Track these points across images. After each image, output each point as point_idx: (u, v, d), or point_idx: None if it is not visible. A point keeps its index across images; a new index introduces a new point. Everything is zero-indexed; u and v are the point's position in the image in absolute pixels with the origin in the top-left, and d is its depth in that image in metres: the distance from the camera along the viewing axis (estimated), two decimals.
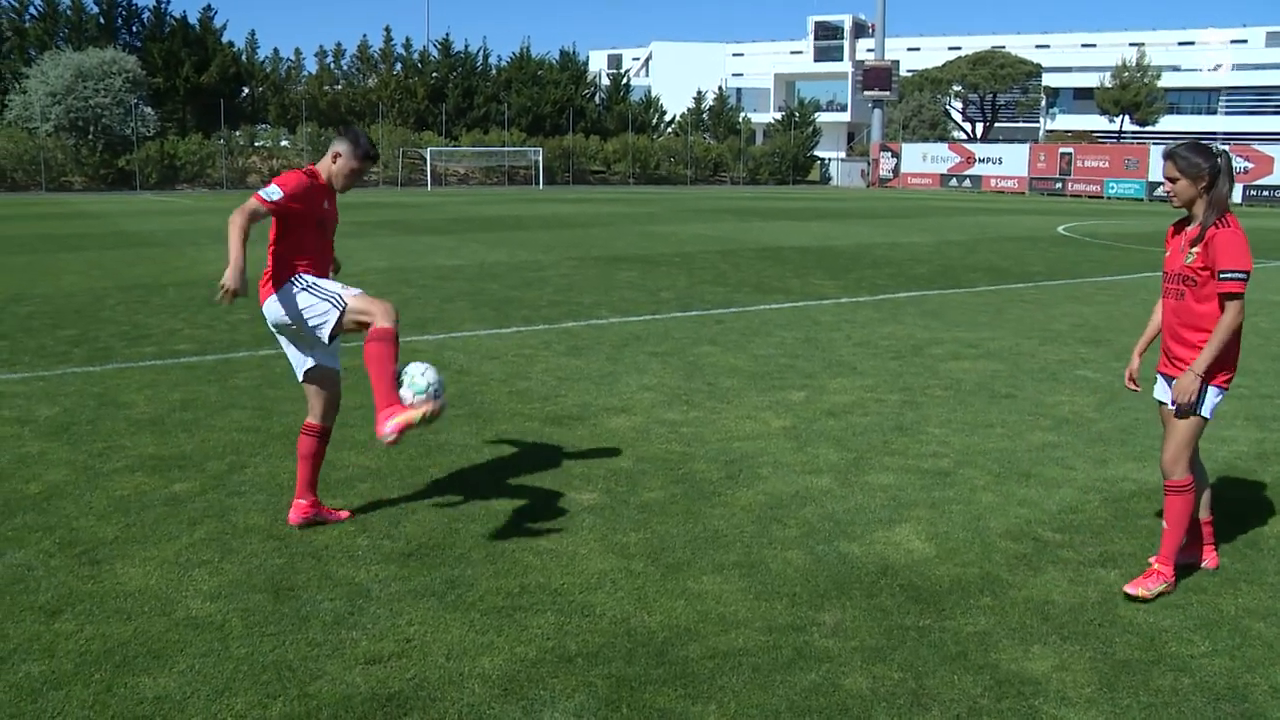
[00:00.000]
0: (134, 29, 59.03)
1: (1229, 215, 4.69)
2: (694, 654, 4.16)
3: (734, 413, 7.83)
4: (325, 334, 5.22)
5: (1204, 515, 5.15)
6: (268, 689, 3.86)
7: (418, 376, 5.02)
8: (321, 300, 5.20)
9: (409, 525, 5.48)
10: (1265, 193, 60.34)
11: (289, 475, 6.22)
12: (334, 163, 5.36)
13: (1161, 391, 5.02)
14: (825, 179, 78.54)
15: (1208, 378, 4.72)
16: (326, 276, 5.44)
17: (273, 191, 5.16)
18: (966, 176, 70.85)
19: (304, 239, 5.32)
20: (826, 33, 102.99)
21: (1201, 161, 4.71)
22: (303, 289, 5.25)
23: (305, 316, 5.22)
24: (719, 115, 77.00)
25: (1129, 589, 4.79)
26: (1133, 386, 5.26)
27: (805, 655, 4.17)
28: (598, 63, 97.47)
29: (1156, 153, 64.32)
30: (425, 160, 58.34)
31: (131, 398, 8.12)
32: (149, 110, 53.76)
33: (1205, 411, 4.78)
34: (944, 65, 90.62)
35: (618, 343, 10.46)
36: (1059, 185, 66.17)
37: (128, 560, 4.98)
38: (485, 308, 12.68)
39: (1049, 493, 6.17)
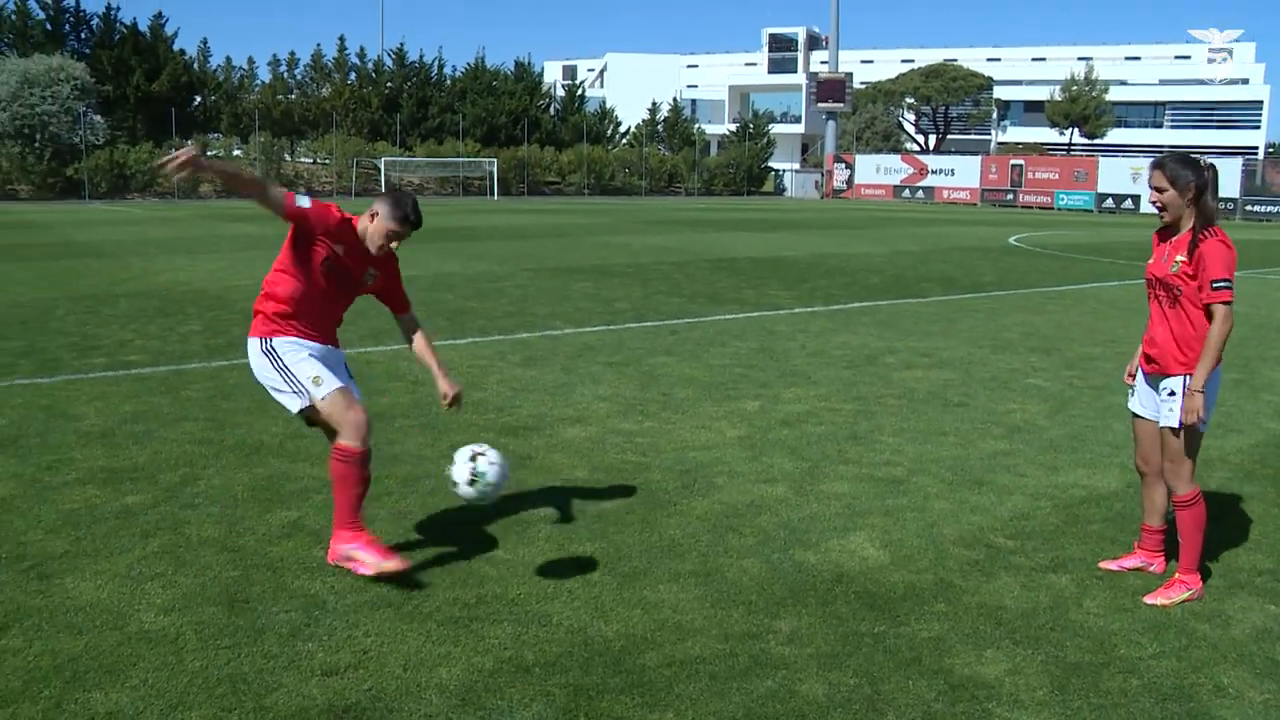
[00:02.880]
0: (82, 36, 58.29)
1: (1216, 227, 4.71)
2: (651, 662, 4.18)
3: (689, 423, 7.86)
4: (293, 411, 4.98)
5: (1159, 524, 5.21)
6: (223, 702, 3.83)
7: (481, 479, 4.73)
8: (287, 384, 4.88)
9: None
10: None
11: (243, 487, 6.19)
12: (371, 221, 4.98)
13: (1137, 404, 5.08)
14: (779, 190, 78.98)
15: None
16: (326, 341, 5.06)
17: (302, 198, 4.84)
18: (919, 188, 71.47)
19: (306, 287, 4.91)
20: (781, 45, 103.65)
21: (1189, 174, 4.73)
22: (272, 359, 4.90)
23: (270, 387, 4.96)
24: (674, 126, 77.23)
25: (1148, 599, 4.86)
26: (1130, 382, 5.21)
27: (761, 662, 4.19)
28: (553, 73, 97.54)
29: (1105, 165, 65.30)
30: (379, 170, 58.08)
31: (81, 409, 8.03)
32: (98, 118, 53.16)
33: (1203, 424, 4.82)
34: (897, 78, 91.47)
35: (573, 353, 10.46)
36: (1010, 196, 66.90)
37: (78, 574, 4.92)
38: (440, 319, 12.65)
39: (1001, 500, 6.24)
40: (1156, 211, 4.86)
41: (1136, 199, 62.60)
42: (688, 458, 6.95)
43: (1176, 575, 4.94)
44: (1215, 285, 4.64)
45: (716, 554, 5.31)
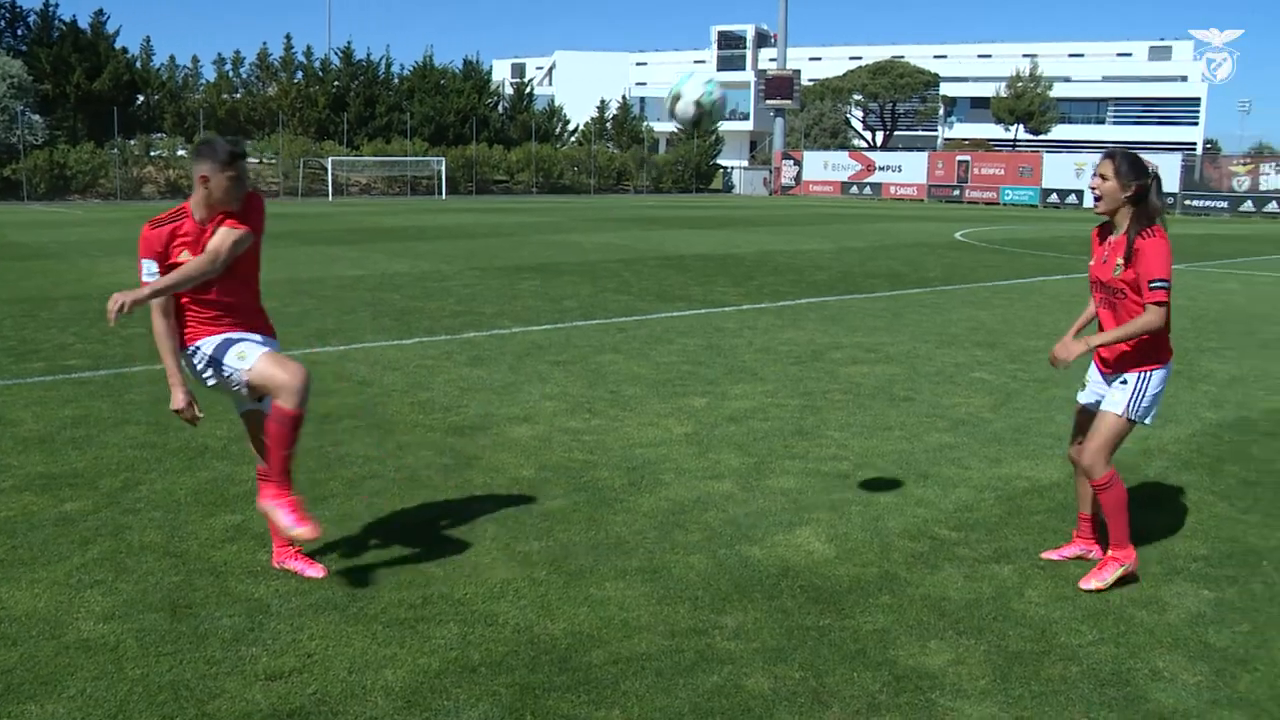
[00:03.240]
0: (19, 33, 57.19)
1: (1156, 226, 4.78)
2: (597, 660, 4.18)
3: (636, 420, 7.87)
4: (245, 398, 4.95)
5: (1090, 510, 5.30)
6: (164, 710, 3.79)
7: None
8: (222, 376, 4.80)
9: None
10: None
11: (186, 491, 6.12)
12: (204, 185, 4.67)
13: (1089, 396, 5.15)
14: (728, 187, 79.19)
15: (1144, 383, 4.89)
16: (248, 329, 4.92)
17: (148, 266, 4.72)
18: (867, 184, 71.91)
19: (197, 291, 4.77)
20: (729, 42, 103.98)
21: (1134, 173, 4.81)
22: (201, 363, 4.82)
23: (215, 387, 4.90)
24: (622, 124, 77.21)
25: (1083, 584, 4.94)
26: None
27: (707, 658, 4.21)
28: (501, 72, 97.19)
29: (1050, 160, 66.03)
30: (326, 170, 57.59)
31: (19, 415, 7.89)
32: (36, 117, 52.17)
33: (1145, 419, 4.94)
34: (845, 75, 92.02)
35: (520, 352, 10.44)
36: (957, 192, 67.47)
37: (14, 583, 4.84)
38: (387, 318, 12.58)
39: (946, 492, 6.30)
40: (1093, 199, 4.94)
41: (1080, 194, 63.37)
42: (635, 455, 6.96)
43: (1109, 554, 5.00)
44: (1153, 285, 4.72)
45: (663, 550, 5.32)
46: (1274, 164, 58.22)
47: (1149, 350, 4.90)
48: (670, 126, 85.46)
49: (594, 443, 7.24)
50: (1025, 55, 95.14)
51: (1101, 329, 5.00)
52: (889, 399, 8.69)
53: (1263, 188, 58.31)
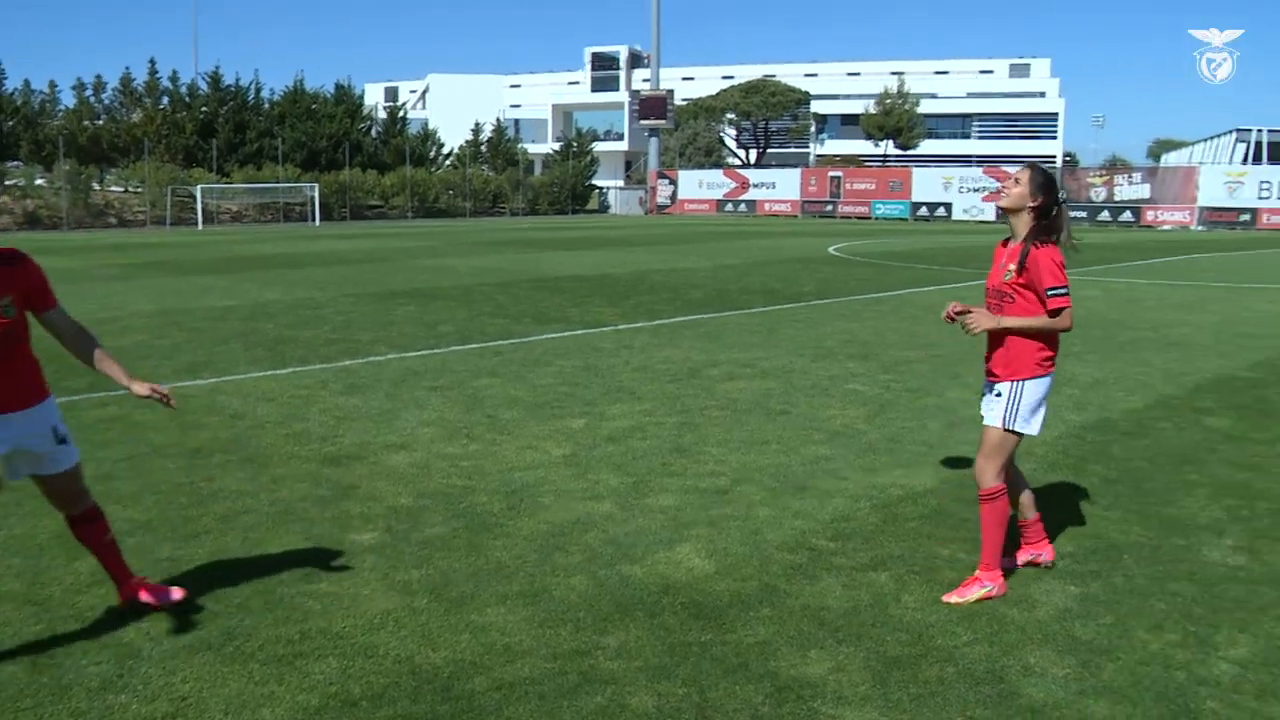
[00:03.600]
0: None
1: (1052, 242, 4.93)
2: (480, 686, 4.14)
3: (515, 443, 7.83)
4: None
5: (1031, 515, 5.40)
6: None
7: None
8: None
9: (183, 578, 5.26)
10: None
11: (48, 535, 5.90)
12: None
13: (985, 407, 5.21)
14: (604, 208, 79.46)
15: (1017, 394, 5.00)
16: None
17: None
18: (742, 201, 72.80)
19: None
20: (603, 63, 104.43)
21: (1044, 189, 4.99)
22: None
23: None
24: (497, 147, 76.98)
25: (946, 598, 5.00)
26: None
27: (590, 679, 4.20)
28: (374, 95, 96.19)
29: (919, 175, 67.65)
30: (195, 199, 56.24)
31: None
32: None
33: (1023, 427, 5.05)
34: (718, 94, 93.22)
35: (396, 379, 10.32)
36: (829, 208, 68.69)
37: None
38: (260, 349, 12.32)
39: (823, 503, 6.40)
40: (997, 190, 5.10)
41: (949, 206, 65.03)
42: (514, 479, 6.93)
43: (977, 572, 5.08)
44: (1051, 293, 4.86)
45: (544, 573, 5.31)
46: (1126, 175, 60.53)
47: (1021, 363, 5.01)
48: (546, 148, 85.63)
49: (472, 468, 7.19)
50: (893, 73, 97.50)
51: (989, 339, 5.13)
52: (765, 413, 8.80)
53: (1118, 198, 60.56)
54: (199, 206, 55.62)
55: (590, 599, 4.99)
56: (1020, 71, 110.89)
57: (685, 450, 7.63)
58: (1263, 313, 16.20)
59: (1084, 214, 60.35)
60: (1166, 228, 56.64)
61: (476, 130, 76.51)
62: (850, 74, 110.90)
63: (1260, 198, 56.74)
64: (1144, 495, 6.62)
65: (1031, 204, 4.98)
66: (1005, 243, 5.20)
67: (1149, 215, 58.19)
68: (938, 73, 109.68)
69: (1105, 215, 59.74)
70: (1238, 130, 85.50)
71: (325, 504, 6.43)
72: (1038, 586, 5.15)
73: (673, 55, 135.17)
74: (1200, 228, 57.09)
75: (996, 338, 5.07)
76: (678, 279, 21.27)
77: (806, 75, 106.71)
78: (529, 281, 20.73)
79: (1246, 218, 55.98)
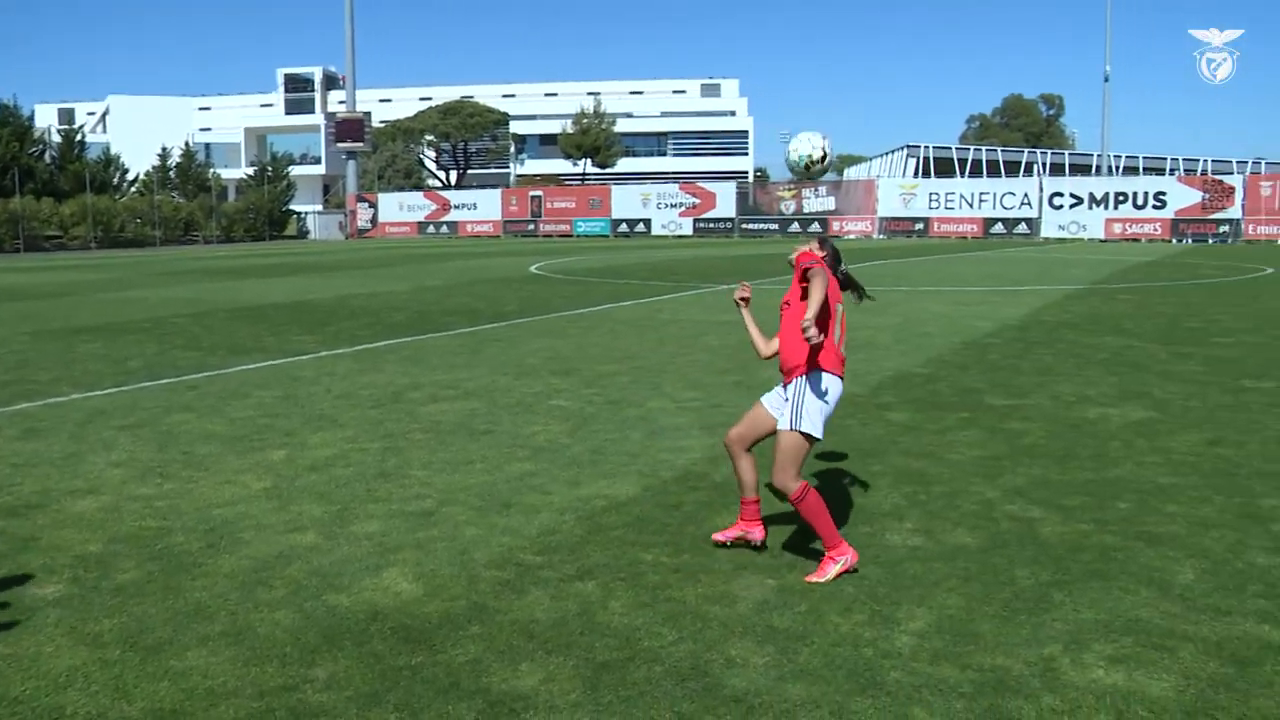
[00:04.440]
0: None
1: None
2: None
3: (212, 480, 7.54)
4: None
5: (751, 496, 5.85)
6: None
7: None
8: None
9: None
10: (711, 225, 66.60)
11: None
12: None
13: (768, 400, 5.77)
14: (303, 233, 77.44)
15: (799, 392, 5.47)
16: None
17: None
18: (444, 223, 72.60)
19: None
20: (297, 85, 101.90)
21: (827, 253, 5.60)
22: None
23: None
24: (187, 172, 73.70)
25: (808, 578, 5.41)
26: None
27: (300, 713, 4.11)
28: (46, 117, 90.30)
29: (619, 192, 69.33)
30: None
31: None
32: None
33: (810, 428, 5.45)
34: (416, 115, 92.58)
35: (81, 420, 9.72)
36: (532, 227, 69.40)
37: None
38: None
39: (529, 519, 6.48)
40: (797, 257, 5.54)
41: (648, 222, 66.88)
42: (212, 516, 6.67)
43: (828, 554, 5.47)
44: (807, 270, 5.37)
45: (246, 610, 5.14)
46: (814, 189, 63.99)
47: (800, 361, 5.46)
48: (239, 173, 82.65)
49: (167, 508, 6.87)
50: (590, 93, 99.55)
51: (780, 342, 5.69)
52: (470, 433, 8.82)
53: (806, 210, 64.04)
54: None
55: (296, 632, 4.87)
56: (711, 91, 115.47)
57: (389, 475, 7.55)
58: (937, 314, 17.50)
59: (776, 226, 63.48)
60: (851, 236, 60.38)
61: (164, 155, 73.01)
62: (548, 94, 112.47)
63: (930, 208, 61.37)
64: (835, 489, 7.02)
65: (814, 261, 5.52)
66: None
67: (835, 225, 61.82)
68: (633, 93, 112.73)
69: (795, 227, 63.00)
70: (908, 146, 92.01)
71: (1, 559, 6.00)
72: (738, 582, 5.39)
73: (369, 76, 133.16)
74: (881, 236, 61.30)
75: (784, 343, 5.61)
76: (379, 303, 20.98)
77: (505, 96, 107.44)
78: (225, 311, 19.94)
79: (920, 226, 60.38)
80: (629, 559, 5.76)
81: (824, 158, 5.96)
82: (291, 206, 77.93)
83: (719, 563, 5.66)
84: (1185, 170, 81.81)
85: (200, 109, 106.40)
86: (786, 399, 5.52)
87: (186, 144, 77.32)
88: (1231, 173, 68.66)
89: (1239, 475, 7.34)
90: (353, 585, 5.44)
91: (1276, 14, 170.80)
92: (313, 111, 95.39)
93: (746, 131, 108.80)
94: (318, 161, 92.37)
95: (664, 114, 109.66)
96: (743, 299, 6.04)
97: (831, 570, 5.43)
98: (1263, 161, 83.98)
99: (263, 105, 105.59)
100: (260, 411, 9.89)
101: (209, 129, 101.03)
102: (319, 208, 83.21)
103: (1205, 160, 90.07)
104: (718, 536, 5.94)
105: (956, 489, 7.03)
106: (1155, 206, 56.63)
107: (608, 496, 6.93)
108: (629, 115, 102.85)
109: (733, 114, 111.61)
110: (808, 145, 5.93)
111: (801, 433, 5.44)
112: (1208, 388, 10.64)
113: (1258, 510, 6.53)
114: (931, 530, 6.19)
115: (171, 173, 73.23)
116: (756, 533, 5.86)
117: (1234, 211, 54.90)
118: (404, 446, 8.40)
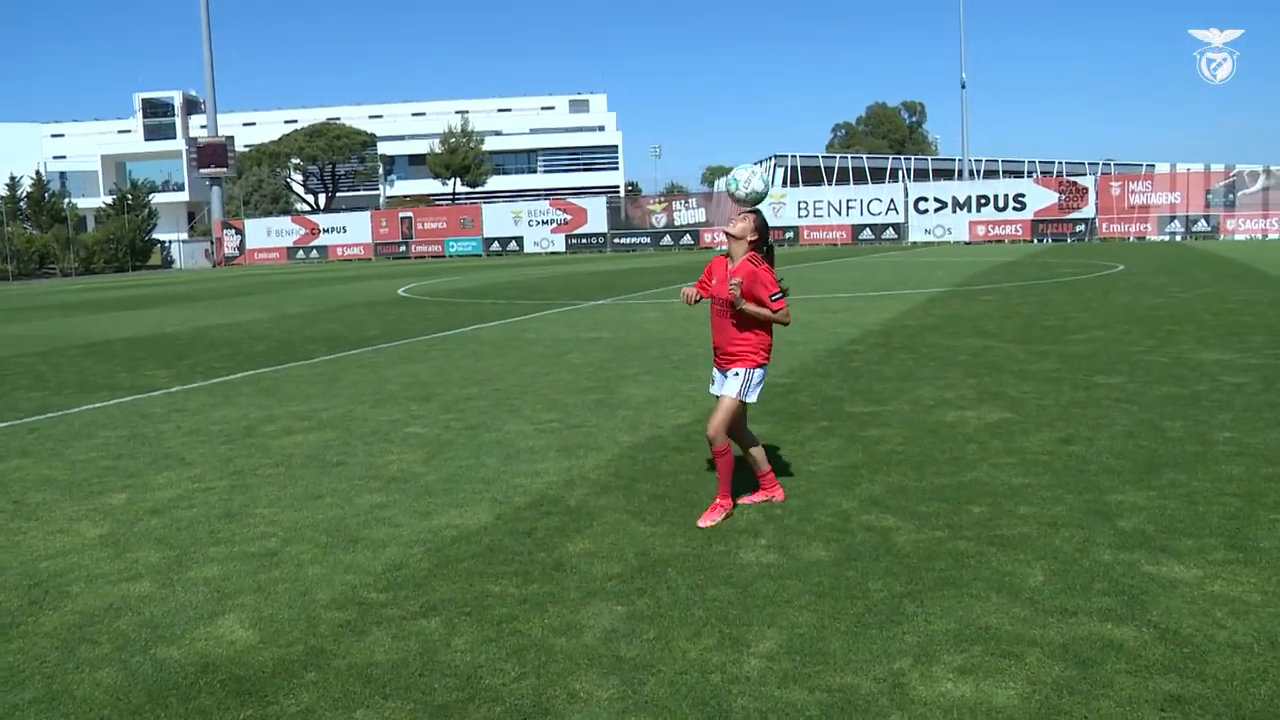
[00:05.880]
0: None
1: (761, 261, 6.63)
2: None
3: (43, 529, 7.15)
4: None
5: (765, 467, 7.03)
6: None
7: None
8: None
9: None
10: (584, 240, 66.64)
11: None
12: None
13: (716, 387, 6.82)
14: (168, 262, 75.40)
15: (749, 376, 6.69)
16: None
17: None
18: (314, 247, 71.40)
19: None
20: (156, 110, 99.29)
21: (759, 229, 6.75)
22: None
23: None
24: (39, 202, 71.14)
25: (700, 522, 6.55)
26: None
27: None
28: None
29: (489, 211, 68.95)
30: None
31: None
32: None
33: (749, 397, 6.68)
34: (281, 139, 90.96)
35: None
36: (403, 248, 68.64)
37: None
38: None
39: (375, 554, 6.27)
40: (733, 221, 6.76)
41: (521, 240, 66.64)
42: (38, 569, 6.31)
43: (716, 500, 6.70)
44: (774, 297, 6.54)
45: (65, 672, 4.85)
46: (684, 201, 64.45)
47: (753, 353, 6.67)
48: (98, 202, 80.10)
49: None
50: (458, 112, 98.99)
51: (715, 335, 6.86)
52: (321, 466, 8.55)
53: (678, 222, 64.36)
54: None
55: (119, 692, 4.60)
56: (580, 107, 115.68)
57: (234, 514, 7.26)
58: (803, 322, 17.63)
59: (648, 240, 63.69)
60: (723, 248, 60.66)
61: (13, 184, 70.37)
62: (416, 114, 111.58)
63: (800, 216, 62.18)
64: (689, 508, 6.91)
65: (751, 238, 6.68)
66: (725, 260, 6.80)
67: (707, 237, 62.30)
68: (501, 110, 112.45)
69: (667, 240, 63.31)
70: (775, 156, 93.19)
71: None
72: (586, 611, 5.26)
73: (231, 100, 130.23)
74: None
75: (727, 334, 6.71)
76: (239, 333, 20.41)
77: (371, 117, 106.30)
78: (77, 347, 19.18)
79: (790, 235, 61.11)
80: (476, 591, 5.60)
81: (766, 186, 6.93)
82: (155, 235, 75.83)
83: (568, 591, 5.53)
84: (1042, 172, 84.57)
85: (53, 135, 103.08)
86: (736, 375, 6.66)
87: (38, 172, 74.61)
88: (1084, 174, 71.15)
89: (1088, 472, 7.48)
90: (185, 636, 5.19)
91: (1109, 21, 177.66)
92: (174, 137, 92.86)
93: (616, 146, 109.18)
94: (181, 188, 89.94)
95: (533, 130, 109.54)
96: (696, 301, 7.05)
97: (719, 515, 6.61)
98: (1112, 162, 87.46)
99: (120, 131, 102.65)
100: (103, 453, 9.47)
101: (63, 156, 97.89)
102: (184, 236, 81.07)
103: (1060, 163, 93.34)
104: (743, 500, 6.93)
105: (813, 501, 7.00)
106: (1015, 208, 58.31)
107: (458, 526, 6.75)
108: (498, 133, 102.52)
109: (602, 129, 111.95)
110: (758, 180, 6.74)
111: (742, 400, 6.68)
112: (1061, 385, 10.88)
113: (1105, 506, 6.64)
114: (786, 546, 6.14)
115: (22, 203, 70.65)
116: (778, 494, 7.03)
117: (1088, 211, 56.81)
118: (252, 483, 8.10)
